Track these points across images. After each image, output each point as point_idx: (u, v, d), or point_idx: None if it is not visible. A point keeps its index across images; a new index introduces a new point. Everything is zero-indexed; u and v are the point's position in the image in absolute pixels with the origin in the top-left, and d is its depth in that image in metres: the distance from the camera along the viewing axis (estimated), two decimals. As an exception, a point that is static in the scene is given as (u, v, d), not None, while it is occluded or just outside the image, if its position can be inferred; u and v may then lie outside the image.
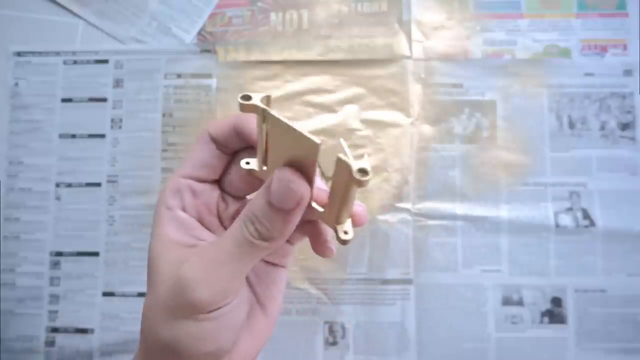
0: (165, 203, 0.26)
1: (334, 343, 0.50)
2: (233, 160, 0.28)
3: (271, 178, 0.23)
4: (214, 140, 0.27)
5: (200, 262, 0.24)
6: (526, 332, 0.50)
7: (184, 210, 0.27)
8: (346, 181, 0.21)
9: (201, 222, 0.27)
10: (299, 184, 0.22)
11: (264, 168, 0.25)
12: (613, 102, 0.52)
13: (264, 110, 0.23)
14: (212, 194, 0.27)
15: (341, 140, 0.23)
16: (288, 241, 0.27)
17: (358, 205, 0.24)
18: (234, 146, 0.27)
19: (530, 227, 0.51)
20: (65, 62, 0.54)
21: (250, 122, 0.26)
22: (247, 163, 0.26)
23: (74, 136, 0.54)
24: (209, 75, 0.54)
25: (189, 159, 0.27)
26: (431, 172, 0.52)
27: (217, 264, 0.23)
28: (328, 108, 0.53)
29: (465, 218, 0.51)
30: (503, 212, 0.51)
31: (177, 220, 0.26)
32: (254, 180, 0.27)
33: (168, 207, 0.26)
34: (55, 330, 0.51)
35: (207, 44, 0.54)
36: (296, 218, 0.23)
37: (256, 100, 0.23)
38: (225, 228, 0.27)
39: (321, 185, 0.25)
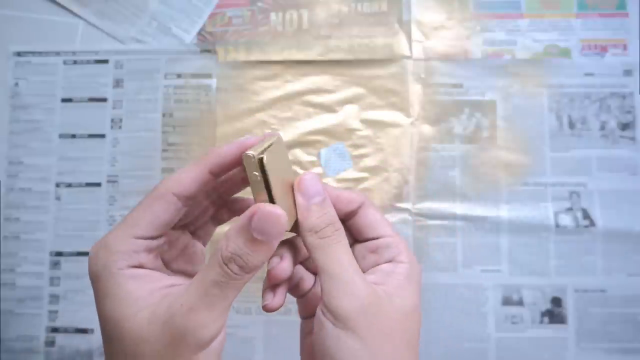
0: (115, 265, 0.25)
1: (334, 343, 0.50)
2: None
3: (247, 216, 0.24)
4: (181, 197, 0.27)
5: (193, 306, 0.24)
6: (526, 332, 0.50)
7: (141, 267, 0.26)
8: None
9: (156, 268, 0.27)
10: (281, 214, 0.25)
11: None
12: (613, 102, 0.52)
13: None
14: (162, 241, 0.28)
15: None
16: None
17: None
18: (206, 193, 0.28)
19: (530, 227, 0.51)
20: (65, 62, 0.54)
21: (223, 153, 0.27)
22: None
23: (74, 136, 0.54)
24: (209, 75, 0.54)
25: (143, 219, 0.26)
26: (431, 172, 0.52)
27: (210, 304, 0.24)
28: (328, 108, 0.53)
29: (465, 218, 0.51)
30: (503, 212, 0.51)
31: (138, 277, 0.26)
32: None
33: (120, 268, 0.25)
34: (55, 330, 0.51)
35: (207, 44, 0.54)
36: (277, 243, 0.25)
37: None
38: (163, 258, 0.28)
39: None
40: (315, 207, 0.27)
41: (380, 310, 0.26)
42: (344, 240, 0.27)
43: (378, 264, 0.29)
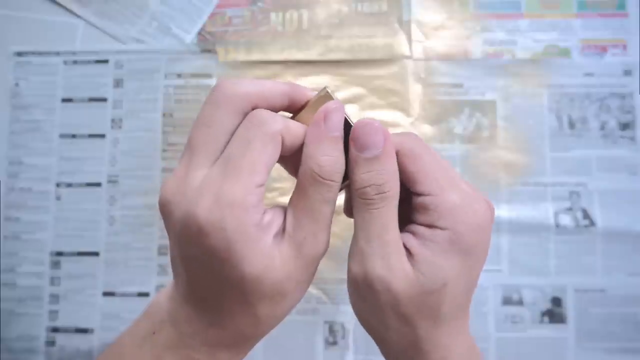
0: (252, 222, 0.23)
1: (334, 343, 0.50)
2: None
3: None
4: (285, 145, 0.24)
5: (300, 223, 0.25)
6: (526, 332, 0.50)
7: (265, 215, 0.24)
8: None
9: None
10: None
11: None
12: (613, 102, 0.52)
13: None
14: None
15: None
16: None
17: None
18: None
19: (530, 227, 0.51)
20: (65, 62, 0.54)
21: (300, 91, 0.26)
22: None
23: (74, 136, 0.54)
24: (209, 75, 0.54)
25: (260, 163, 0.23)
26: (431, 172, 0.52)
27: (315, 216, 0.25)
28: (328, 108, 0.53)
29: (465, 218, 0.51)
30: (503, 212, 0.51)
31: (270, 227, 0.24)
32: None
33: (256, 224, 0.23)
34: (55, 330, 0.51)
35: (207, 44, 0.54)
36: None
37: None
38: None
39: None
40: (364, 161, 0.24)
41: (390, 288, 0.24)
42: (388, 208, 0.24)
43: (420, 224, 0.26)
